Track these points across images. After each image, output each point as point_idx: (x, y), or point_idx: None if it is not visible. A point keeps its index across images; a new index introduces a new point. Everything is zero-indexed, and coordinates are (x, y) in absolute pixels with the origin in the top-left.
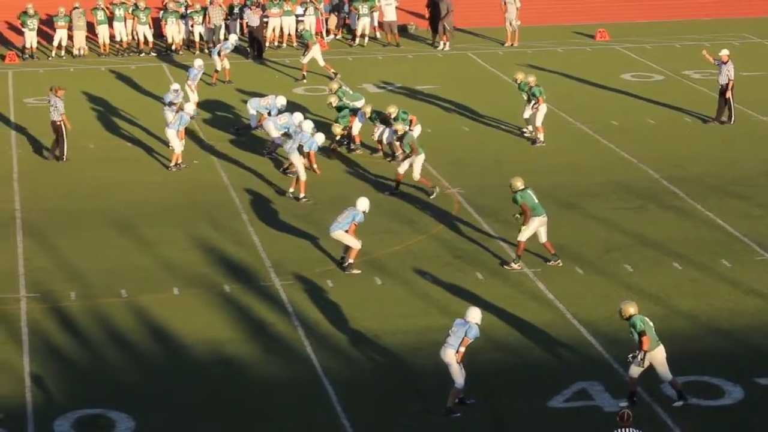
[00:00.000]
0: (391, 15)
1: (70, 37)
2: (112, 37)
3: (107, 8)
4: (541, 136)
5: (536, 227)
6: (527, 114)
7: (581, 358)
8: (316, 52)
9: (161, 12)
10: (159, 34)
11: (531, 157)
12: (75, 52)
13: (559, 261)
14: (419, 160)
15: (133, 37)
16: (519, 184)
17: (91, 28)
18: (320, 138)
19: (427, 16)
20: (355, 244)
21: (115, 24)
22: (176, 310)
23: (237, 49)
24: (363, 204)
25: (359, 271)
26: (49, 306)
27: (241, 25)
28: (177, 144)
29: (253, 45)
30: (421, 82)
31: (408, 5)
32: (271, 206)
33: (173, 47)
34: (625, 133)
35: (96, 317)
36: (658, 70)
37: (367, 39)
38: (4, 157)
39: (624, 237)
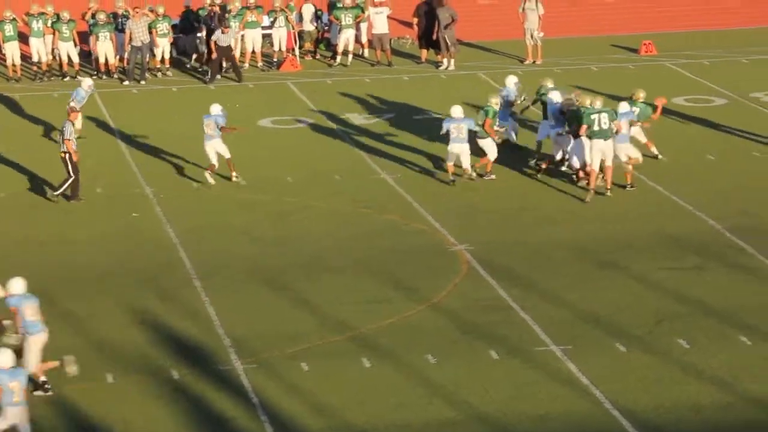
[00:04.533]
0: (381, 27)
1: None
2: (25, 57)
3: (22, 19)
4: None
5: None
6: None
7: None
8: None
9: (90, 25)
10: (87, 52)
11: (562, 202)
12: None
13: None
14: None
15: (54, 57)
16: None
17: None
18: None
19: (415, 24)
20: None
21: (32, 40)
22: (111, 402)
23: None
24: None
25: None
26: None
27: (208, 43)
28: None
29: (216, 66)
30: (420, 110)
31: (403, 14)
32: (231, 269)
33: (107, 69)
34: (677, 173)
35: None
36: (719, 92)
37: (351, 57)
38: None
39: (678, 304)
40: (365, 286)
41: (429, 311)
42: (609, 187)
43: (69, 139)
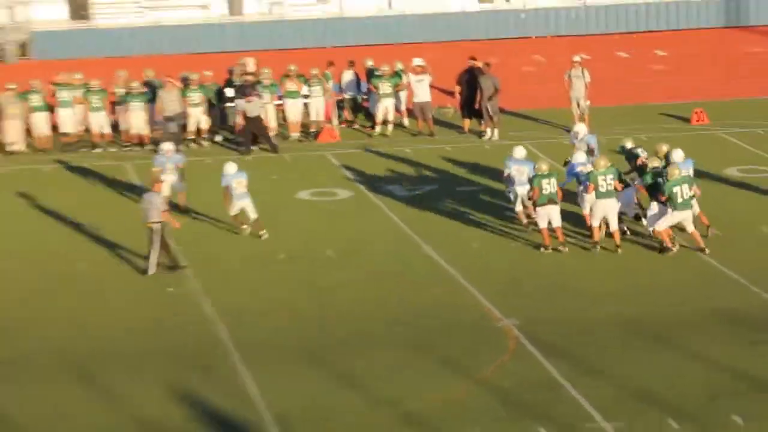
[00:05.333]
0: (423, 95)
1: None
2: (53, 128)
3: (49, 90)
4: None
5: None
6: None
7: None
8: None
9: (123, 95)
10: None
11: (608, 277)
12: (8, 148)
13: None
14: None
15: (85, 129)
16: None
17: None
18: None
19: (457, 92)
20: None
21: (60, 111)
22: None
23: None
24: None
25: None
26: None
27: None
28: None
29: (248, 138)
30: (464, 182)
31: (443, 82)
32: (272, 346)
33: (139, 140)
34: (732, 247)
35: None
36: None
37: (391, 126)
38: None
39: (732, 380)
40: (410, 362)
41: (475, 388)
42: (703, 246)
43: (166, 210)
